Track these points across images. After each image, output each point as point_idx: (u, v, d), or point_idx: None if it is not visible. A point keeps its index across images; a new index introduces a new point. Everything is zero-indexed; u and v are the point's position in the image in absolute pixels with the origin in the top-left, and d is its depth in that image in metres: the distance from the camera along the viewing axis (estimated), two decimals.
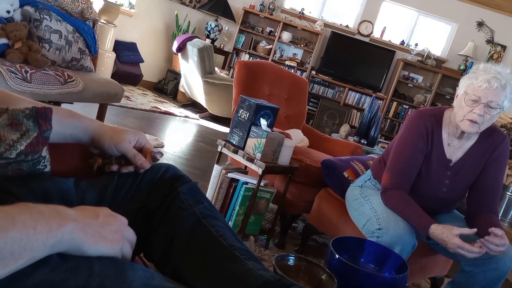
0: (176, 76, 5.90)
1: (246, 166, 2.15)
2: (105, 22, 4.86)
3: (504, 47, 6.51)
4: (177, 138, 4.08)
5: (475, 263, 1.64)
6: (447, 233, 1.48)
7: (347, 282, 1.30)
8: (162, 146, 3.43)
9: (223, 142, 2.10)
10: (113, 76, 5.09)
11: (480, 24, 6.49)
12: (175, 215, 0.76)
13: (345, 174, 2.17)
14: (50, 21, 2.70)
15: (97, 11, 4.60)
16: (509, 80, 1.54)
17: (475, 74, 1.58)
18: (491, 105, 1.53)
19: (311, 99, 6.52)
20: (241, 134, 2.05)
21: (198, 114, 5.23)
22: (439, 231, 1.50)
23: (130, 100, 4.74)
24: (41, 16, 2.63)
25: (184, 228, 0.73)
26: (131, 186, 0.81)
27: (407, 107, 6.69)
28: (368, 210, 1.74)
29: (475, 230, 1.47)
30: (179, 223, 0.74)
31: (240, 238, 0.76)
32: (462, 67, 6.55)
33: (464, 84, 1.62)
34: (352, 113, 6.57)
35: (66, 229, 0.53)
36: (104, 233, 0.59)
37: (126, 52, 5.48)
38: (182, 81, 5.49)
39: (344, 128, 3.33)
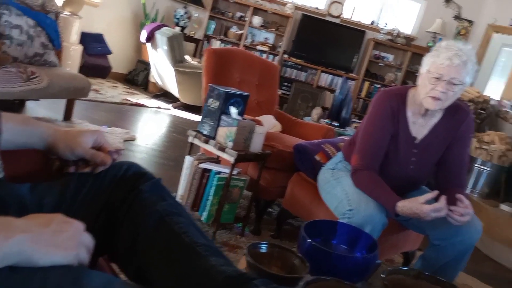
0: (146, 66, 5.81)
1: (218, 156, 2.15)
2: (69, 13, 4.72)
3: (471, 22, 6.62)
4: (149, 130, 4.04)
5: (443, 237, 1.70)
6: (415, 205, 1.52)
7: (320, 265, 1.33)
8: (134, 139, 3.39)
9: (194, 133, 2.09)
10: (82, 69, 4.97)
11: (448, 1, 6.58)
12: (137, 213, 0.75)
13: (317, 157, 2.20)
14: (10, 16, 2.61)
15: (61, 3, 4.47)
16: (470, 57, 1.58)
17: (437, 52, 1.61)
18: (453, 81, 1.57)
19: (284, 83, 6.52)
20: (212, 123, 2.05)
21: (170, 104, 5.18)
22: (407, 206, 1.55)
23: (100, 94, 4.65)
24: (0, 11, 2.54)
25: (147, 226, 0.72)
26: (92, 186, 0.80)
27: (379, 86, 6.77)
28: (339, 192, 1.77)
29: (436, 192, 1.52)
30: (141, 221, 0.74)
31: (205, 234, 0.76)
32: (430, 44, 6.64)
33: (427, 62, 1.65)
34: (325, 95, 6.61)
35: (13, 242, 0.52)
36: (57, 241, 0.57)
37: (93, 44, 5.34)
38: (153, 71, 5.40)
39: (316, 111, 3.36)
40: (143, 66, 5.89)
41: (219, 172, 2.01)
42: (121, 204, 0.78)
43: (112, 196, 0.79)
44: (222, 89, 2.01)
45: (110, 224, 0.77)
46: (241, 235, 2.20)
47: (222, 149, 1.96)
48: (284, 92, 6.46)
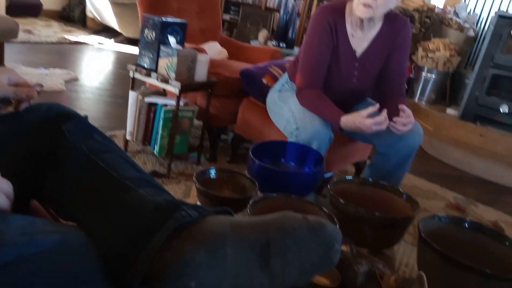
0: (81, 0, 5.41)
1: (164, 88, 2.10)
2: None
3: None
4: (93, 68, 3.85)
5: (388, 145, 1.77)
6: (358, 119, 1.57)
7: (270, 184, 1.37)
8: (77, 79, 3.24)
9: (134, 67, 2.01)
10: (9, 9, 4.57)
11: None
12: (62, 155, 0.72)
13: (264, 80, 2.18)
14: None
15: None
16: None
17: None
18: None
19: (232, 7, 6.28)
20: (151, 55, 1.97)
21: (112, 39, 4.91)
22: (350, 121, 1.59)
23: (33, 34, 4.33)
24: None
25: (73, 167, 0.70)
26: (13, 132, 0.76)
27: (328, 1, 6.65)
28: (286, 113, 1.79)
29: (377, 105, 1.56)
30: (67, 163, 0.71)
31: (139, 167, 0.75)
32: None
33: None
34: (274, 17, 6.44)
35: None
36: None
37: None
38: (89, 6, 5.04)
39: (262, 34, 3.28)
40: (77, 0, 5.48)
41: (165, 105, 1.98)
42: (45, 147, 0.74)
43: (34, 141, 0.75)
44: (157, 18, 1.91)
45: (37, 169, 0.74)
46: (197, 164, 2.23)
47: (165, 81, 1.91)
48: (232, 17, 6.24)
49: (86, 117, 0.82)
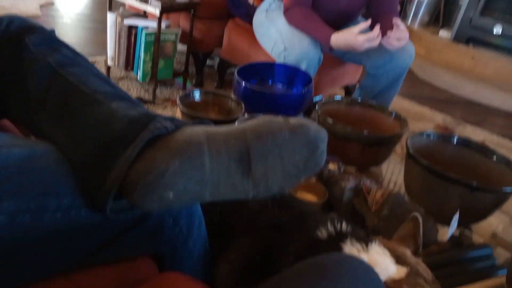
0: None
1: (145, 11, 1.98)
2: None
3: None
4: None
5: (378, 66, 1.73)
6: (349, 36, 1.50)
7: (256, 106, 1.34)
8: (52, 3, 3.06)
9: None
10: None
11: None
12: (26, 70, 0.66)
13: (250, 0, 2.07)
14: None
15: None
16: None
17: None
18: None
19: None
20: None
21: None
22: (340, 38, 1.52)
23: None
24: None
25: (38, 82, 0.64)
26: None
27: None
28: (273, 33, 1.72)
29: (369, 22, 1.49)
30: (31, 78, 0.65)
31: (111, 81, 0.70)
32: None
33: None
34: None
35: None
36: None
37: None
38: None
39: None
40: None
41: (146, 27, 1.87)
42: (7, 64, 0.68)
43: None
44: None
45: (1, 87, 0.69)
46: (183, 89, 2.17)
47: (145, 0, 1.80)
48: None
49: (53, 31, 0.75)
